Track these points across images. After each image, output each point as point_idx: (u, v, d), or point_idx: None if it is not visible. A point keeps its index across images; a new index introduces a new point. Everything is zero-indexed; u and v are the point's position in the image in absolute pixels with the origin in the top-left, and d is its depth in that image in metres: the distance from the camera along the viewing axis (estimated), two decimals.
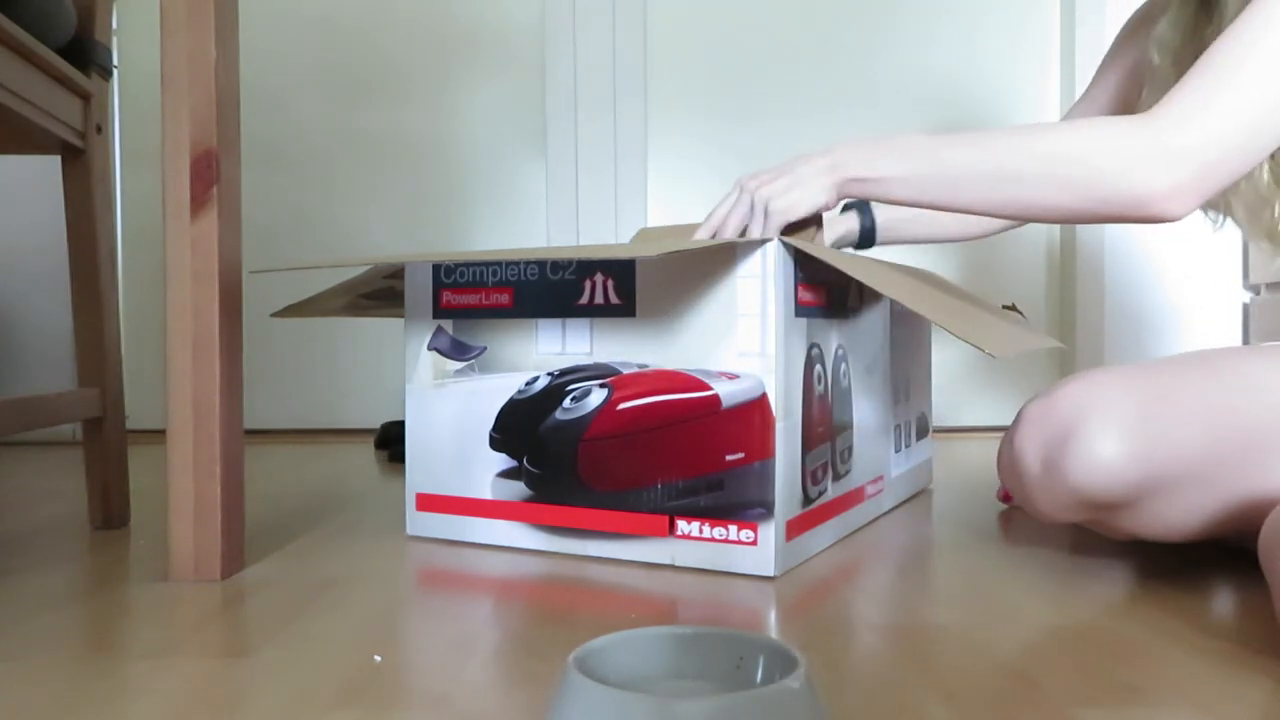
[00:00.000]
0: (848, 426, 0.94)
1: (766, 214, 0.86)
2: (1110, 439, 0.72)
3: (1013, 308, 1.27)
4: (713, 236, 0.89)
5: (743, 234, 0.88)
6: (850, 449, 0.95)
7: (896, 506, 1.11)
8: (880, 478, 1.04)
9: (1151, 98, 1.00)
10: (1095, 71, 1.15)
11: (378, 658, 0.61)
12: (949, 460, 1.52)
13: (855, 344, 0.96)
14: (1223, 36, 0.77)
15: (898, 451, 1.09)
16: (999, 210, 0.82)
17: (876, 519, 1.04)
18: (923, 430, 1.20)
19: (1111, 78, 1.11)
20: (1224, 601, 0.73)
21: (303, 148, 1.95)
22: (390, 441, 1.68)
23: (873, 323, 1.01)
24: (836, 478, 0.92)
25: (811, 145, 1.94)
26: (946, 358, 1.96)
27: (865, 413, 0.99)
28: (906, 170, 0.83)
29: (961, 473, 1.39)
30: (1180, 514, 0.76)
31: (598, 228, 1.92)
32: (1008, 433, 0.80)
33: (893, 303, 1.07)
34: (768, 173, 0.88)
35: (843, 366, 0.92)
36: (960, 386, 1.97)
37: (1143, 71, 1.05)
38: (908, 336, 1.13)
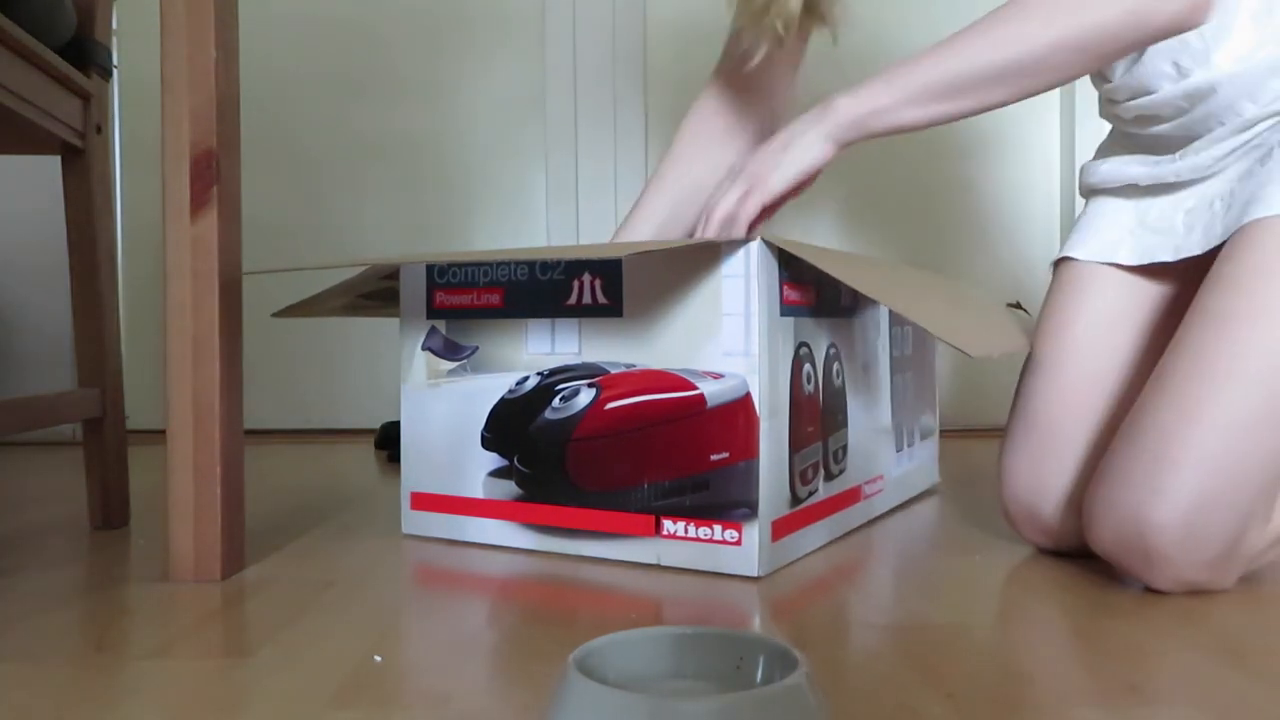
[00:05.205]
0: (841, 426, 0.94)
1: (748, 194, 0.83)
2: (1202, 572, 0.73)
3: (1018, 305, 1.26)
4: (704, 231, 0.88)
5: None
6: (845, 449, 0.95)
7: (898, 507, 1.11)
8: (879, 478, 1.04)
9: None
10: None
11: (378, 658, 0.61)
12: (954, 460, 1.52)
13: (850, 343, 0.96)
14: None
15: (899, 451, 1.09)
16: (1019, 97, 0.81)
17: (875, 519, 1.04)
18: (927, 430, 1.20)
19: None
20: (1224, 602, 0.73)
21: (302, 147, 1.95)
22: (390, 441, 1.68)
23: (870, 321, 1.01)
24: (829, 478, 0.92)
25: None
26: (955, 356, 1.96)
27: (862, 412, 0.99)
28: (906, 91, 0.81)
29: (965, 473, 1.39)
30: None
31: (598, 226, 1.92)
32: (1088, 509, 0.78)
33: None
34: (767, 144, 0.86)
35: (835, 366, 0.92)
36: (970, 386, 1.97)
37: None
38: (911, 335, 1.13)
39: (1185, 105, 0.83)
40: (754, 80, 1.08)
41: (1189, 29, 0.79)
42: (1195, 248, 0.83)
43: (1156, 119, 0.86)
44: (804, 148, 0.83)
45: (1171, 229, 0.86)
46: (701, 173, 1.07)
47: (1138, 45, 0.80)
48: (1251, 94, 0.80)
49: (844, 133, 0.83)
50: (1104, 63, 0.80)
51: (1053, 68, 0.79)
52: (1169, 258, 0.85)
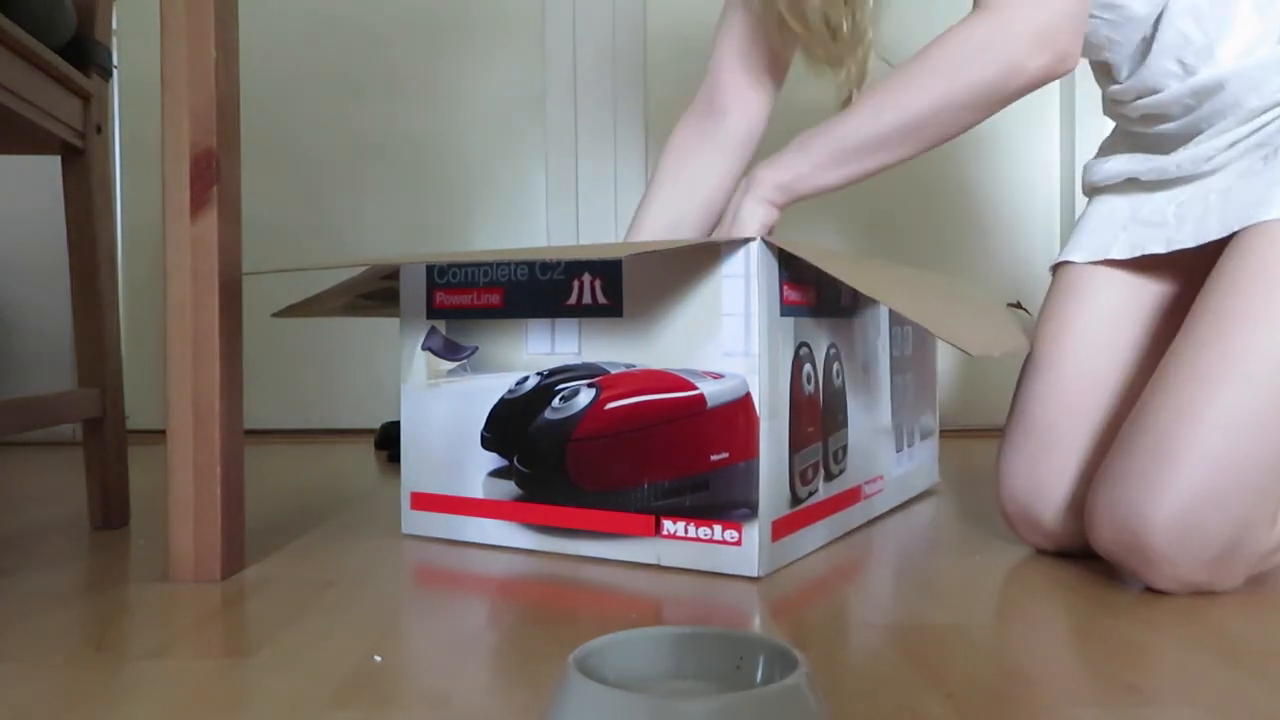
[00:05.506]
0: (841, 426, 0.94)
1: None
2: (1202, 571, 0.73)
3: (1018, 305, 1.26)
4: None
5: None
6: (845, 449, 0.95)
7: (898, 507, 1.11)
8: (879, 478, 1.04)
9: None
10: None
11: (378, 658, 0.61)
12: (954, 460, 1.52)
13: (850, 343, 0.96)
14: None
15: (899, 451, 1.09)
16: (919, 151, 0.86)
17: (875, 519, 1.04)
18: (927, 430, 1.20)
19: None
20: (1224, 602, 0.73)
21: (302, 147, 1.95)
22: (390, 441, 1.68)
23: (870, 321, 1.01)
24: (829, 478, 0.92)
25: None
26: (955, 356, 1.96)
27: (862, 412, 0.99)
28: (819, 157, 0.87)
29: (965, 473, 1.39)
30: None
31: (598, 227, 1.92)
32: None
33: None
34: (718, 229, 0.93)
35: (835, 366, 0.92)
36: (970, 386, 1.97)
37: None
38: (911, 335, 1.13)
39: (1193, 103, 0.83)
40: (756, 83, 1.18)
41: (1060, 75, 0.82)
42: (1187, 240, 0.83)
43: (1164, 117, 0.86)
44: (747, 217, 0.90)
45: (1164, 221, 0.86)
46: (694, 173, 1.10)
47: (1019, 95, 0.83)
48: (1257, 87, 0.80)
49: (773, 196, 0.89)
50: (993, 112, 0.84)
51: (946, 123, 0.84)
52: (1160, 249, 0.85)
